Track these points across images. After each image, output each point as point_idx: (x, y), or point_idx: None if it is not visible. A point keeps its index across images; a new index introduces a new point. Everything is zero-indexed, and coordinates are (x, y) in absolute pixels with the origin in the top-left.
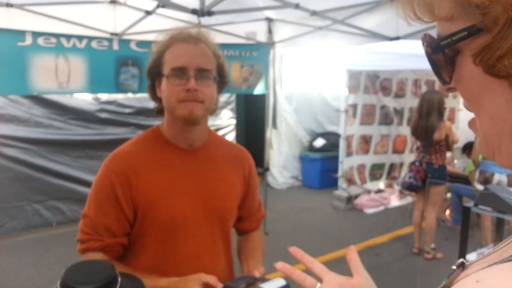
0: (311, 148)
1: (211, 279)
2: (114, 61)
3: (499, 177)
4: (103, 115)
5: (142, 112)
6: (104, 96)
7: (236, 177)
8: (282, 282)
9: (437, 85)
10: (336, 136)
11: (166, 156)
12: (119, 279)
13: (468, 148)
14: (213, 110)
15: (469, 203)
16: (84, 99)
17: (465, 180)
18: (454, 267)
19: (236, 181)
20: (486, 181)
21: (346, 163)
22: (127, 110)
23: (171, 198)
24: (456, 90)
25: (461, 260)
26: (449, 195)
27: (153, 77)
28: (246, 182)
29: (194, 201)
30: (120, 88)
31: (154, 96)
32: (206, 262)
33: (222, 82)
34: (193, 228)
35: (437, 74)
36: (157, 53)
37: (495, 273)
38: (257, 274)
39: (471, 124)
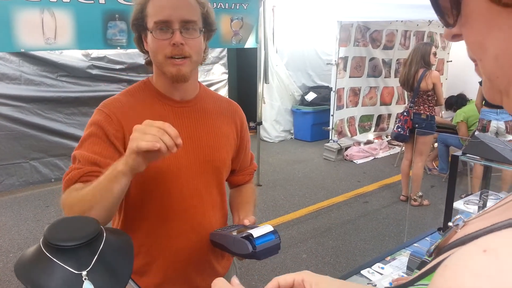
0: (303, 102)
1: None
2: (101, 15)
3: (496, 124)
4: (94, 72)
5: (134, 68)
6: (94, 52)
7: (229, 130)
8: (270, 228)
9: (426, 36)
10: (327, 89)
11: (158, 108)
12: (104, 235)
13: (453, 103)
14: (202, 61)
15: (457, 152)
16: (74, 56)
17: (452, 130)
18: (450, 224)
19: (230, 134)
20: (483, 128)
21: (337, 116)
22: (118, 66)
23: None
24: (461, 37)
25: (458, 216)
26: (436, 144)
27: (138, 29)
28: (239, 136)
29: (188, 152)
30: (108, 43)
31: (142, 49)
32: (200, 211)
33: (209, 30)
34: (187, 178)
35: (441, 16)
36: (139, 5)
37: (504, 241)
38: (246, 222)
39: (477, 68)
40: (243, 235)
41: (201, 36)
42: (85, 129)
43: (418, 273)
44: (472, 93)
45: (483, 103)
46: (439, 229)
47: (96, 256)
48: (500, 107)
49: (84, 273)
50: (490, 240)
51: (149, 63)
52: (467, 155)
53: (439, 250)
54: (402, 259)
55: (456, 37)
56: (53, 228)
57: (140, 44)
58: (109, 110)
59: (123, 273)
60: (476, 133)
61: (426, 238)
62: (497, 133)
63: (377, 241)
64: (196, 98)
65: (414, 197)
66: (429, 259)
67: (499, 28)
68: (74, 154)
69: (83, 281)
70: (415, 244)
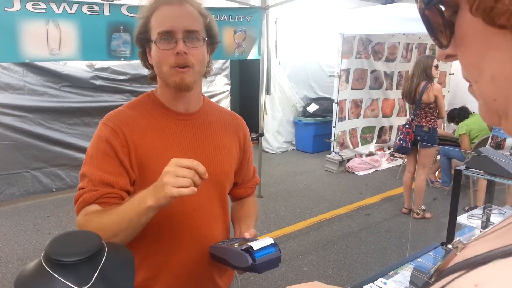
0: (305, 113)
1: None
2: (106, 26)
3: (511, 142)
4: (98, 82)
5: (137, 79)
6: (98, 63)
7: (232, 143)
8: (270, 240)
9: (428, 49)
10: (329, 101)
11: (162, 120)
12: (106, 250)
13: (455, 116)
14: (206, 73)
15: (461, 166)
16: (78, 67)
17: (455, 142)
18: (450, 246)
19: (232, 147)
20: (498, 146)
21: (338, 127)
22: (121, 77)
23: (166, 159)
24: (455, 57)
25: (458, 239)
26: (438, 157)
27: (143, 43)
28: (242, 149)
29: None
30: (112, 54)
31: (146, 63)
32: (201, 224)
33: (212, 42)
34: None
35: (434, 36)
36: (143, 19)
37: (494, 273)
38: (247, 235)
39: (471, 89)
40: (243, 247)
41: (204, 46)
42: (91, 144)
43: None
44: (475, 106)
45: None
46: (442, 244)
47: (97, 272)
48: None
49: None
50: (481, 273)
51: (153, 78)
52: (470, 169)
53: (440, 273)
54: (405, 273)
55: (449, 57)
56: (55, 242)
57: (145, 59)
58: (114, 123)
59: (124, 286)
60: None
61: (429, 253)
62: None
63: (379, 254)
64: (200, 111)
65: (417, 210)
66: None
67: (495, 49)
68: (84, 172)
69: None
70: (418, 259)
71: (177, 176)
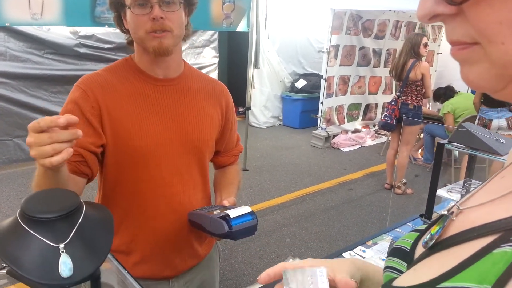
0: (293, 89)
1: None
2: None
3: (498, 122)
4: (82, 50)
5: (122, 47)
6: (82, 30)
7: (214, 111)
8: (247, 209)
9: (417, 27)
10: (317, 77)
11: (139, 86)
12: (84, 208)
13: (441, 95)
14: (185, 36)
15: (443, 141)
16: (61, 33)
17: (439, 121)
18: (445, 212)
19: (214, 115)
20: (484, 127)
21: (326, 103)
22: (106, 46)
23: (144, 126)
24: (441, 18)
25: (453, 204)
26: (422, 135)
27: (117, 8)
28: (224, 117)
29: (169, 131)
30: (96, 21)
31: (122, 28)
32: (179, 191)
33: (189, 4)
34: (166, 157)
35: None
36: None
37: None
38: (226, 203)
39: (473, 51)
40: (220, 215)
41: (181, 9)
42: (62, 107)
43: (425, 271)
44: (460, 86)
45: (482, 101)
46: (421, 215)
47: (74, 230)
48: (501, 106)
49: (61, 246)
50: None
51: (130, 43)
52: (453, 143)
53: (439, 242)
54: (383, 243)
55: (437, 17)
56: (31, 199)
57: (120, 23)
58: (86, 86)
59: (102, 247)
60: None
61: (408, 224)
62: (498, 130)
63: (360, 227)
64: (180, 76)
65: (399, 184)
66: (408, 246)
67: None
68: None
69: (60, 254)
70: (397, 229)
71: (40, 146)
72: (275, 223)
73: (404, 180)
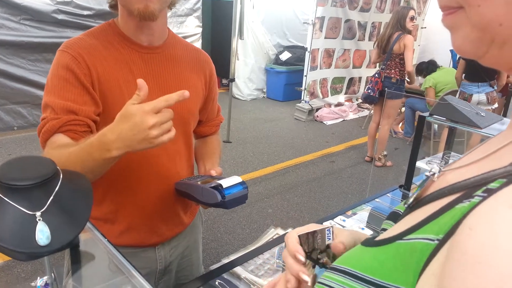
0: (277, 61)
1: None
2: None
3: (478, 97)
4: (60, 17)
5: (102, 14)
6: None
7: (198, 80)
8: (238, 179)
9: (403, 0)
10: (302, 49)
11: (124, 52)
12: (61, 176)
13: (423, 69)
14: (171, 4)
15: (425, 113)
16: None
17: (420, 95)
18: (427, 173)
19: (198, 84)
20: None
21: (310, 76)
22: (85, 12)
23: (130, 95)
24: None
25: (435, 166)
26: (403, 109)
27: None
28: (207, 87)
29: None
30: None
31: None
32: (165, 160)
33: None
34: None
35: None
36: None
37: (490, 218)
38: (213, 173)
39: (457, 16)
40: (212, 185)
41: None
42: (50, 72)
43: (400, 226)
44: (442, 60)
45: (463, 76)
46: (400, 186)
47: (51, 197)
48: (481, 80)
49: (38, 214)
50: (474, 217)
51: (114, 6)
52: (434, 116)
53: (418, 201)
54: (363, 213)
55: None
56: (6, 167)
57: None
58: (74, 51)
59: (81, 215)
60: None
61: (388, 195)
62: (478, 105)
63: (340, 198)
64: (165, 44)
65: (379, 156)
66: (402, 210)
67: None
68: (46, 102)
69: (37, 222)
70: (377, 200)
71: (163, 124)
72: (258, 194)
73: (385, 152)
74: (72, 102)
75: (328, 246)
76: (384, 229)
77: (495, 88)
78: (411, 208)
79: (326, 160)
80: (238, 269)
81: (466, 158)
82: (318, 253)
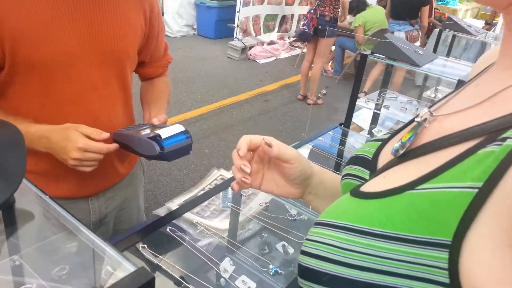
0: None
1: (93, 132)
2: None
3: (398, 34)
4: None
5: None
6: None
7: (136, 17)
8: (180, 127)
9: None
10: None
11: None
12: None
13: (353, 8)
14: None
15: (366, 52)
16: None
17: (351, 34)
18: (418, 119)
19: (136, 21)
20: None
21: (242, 13)
22: None
23: (51, 33)
24: None
25: (426, 110)
26: (333, 47)
27: None
28: (148, 23)
29: (82, 39)
30: None
31: None
32: (96, 107)
33: None
34: (79, 69)
35: None
36: None
37: None
38: (155, 121)
39: None
40: (150, 135)
41: None
42: None
43: (399, 176)
44: None
45: (390, 15)
46: (340, 124)
47: None
48: (402, 19)
49: None
50: None
51: None
52: (375, 54)
53: (413, 150)
54: (302, 151)
55: None
56: None
57: None
58: None
59: (15, 171)
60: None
61: (329, 133)
62: None
63: (276, 136)
64: None
65: (318, 94)
66: (369, 155)
67: None
68: None
69: None
70: (320, 138)
71: (83, 160)
72: (193, 134)
73: (324, 91)
74: None
75: None
76: (352, 175)
77: (416, 27)
78: (401, 157)
79: (260, 99)
80: (188, 214)
81: (458, 101)
82: None
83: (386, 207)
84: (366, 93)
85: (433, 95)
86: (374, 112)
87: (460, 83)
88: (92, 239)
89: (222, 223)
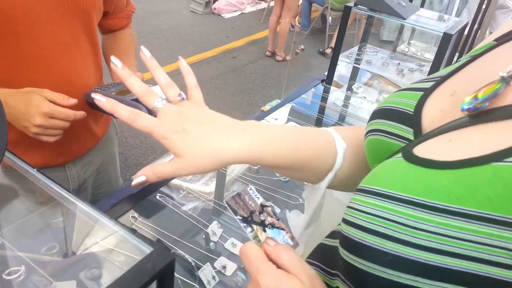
0: None
1: (59, 97)
2: None
3: None
4: None
5: None
6: None
7: None
8: (157, 87)
9: None
10: None
11: None
12: None
13: None
14: None
15: (350, 3)
16: None
17: None
18: (503, 74)
19: None
20: None
21: None
22: None
23: None
24: None
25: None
26: (300, 1)
27: None
28: None
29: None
30: None
31: None
32: (66, 65)
33: None
34: (43, 24)
35: None
36: None
37: None
38: None
39: None
40: (134, 96)
41: None
42: None
43: (473, 142)
44: None
45: None
46: (322, 81)
47: None
48: None
49: None
50: None
51: None
52: (359, 6)
53: (493, 110)
54: (282, 110)
55: None
56: None
57: None
58: None
59: None
60: None
61: (312, 90)
62: None
63: (245, 94)
64: None
65: (297, 50)
66: (409, 108)
67: None
68: None
69: None
70: (303, 96)
71: (47, 128)
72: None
73: (302, 46)
74: None
75: (262, 205)
76: (386, 132)
77: None
78: (473, 117)
79: (228, 56)
80: (175, 180)
81: None
82: (258, 214)
83: (465, 179)
84: (332, 49)
85: (406, 49)
86: (353, 67)
87: (446, 37)
88: (87, 211)
89: (206, 186)
